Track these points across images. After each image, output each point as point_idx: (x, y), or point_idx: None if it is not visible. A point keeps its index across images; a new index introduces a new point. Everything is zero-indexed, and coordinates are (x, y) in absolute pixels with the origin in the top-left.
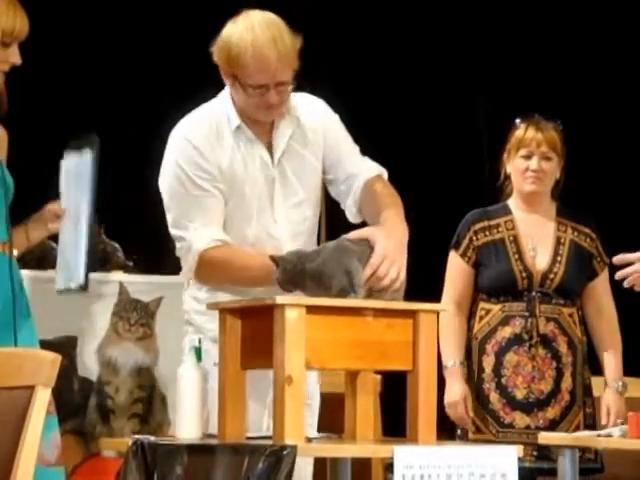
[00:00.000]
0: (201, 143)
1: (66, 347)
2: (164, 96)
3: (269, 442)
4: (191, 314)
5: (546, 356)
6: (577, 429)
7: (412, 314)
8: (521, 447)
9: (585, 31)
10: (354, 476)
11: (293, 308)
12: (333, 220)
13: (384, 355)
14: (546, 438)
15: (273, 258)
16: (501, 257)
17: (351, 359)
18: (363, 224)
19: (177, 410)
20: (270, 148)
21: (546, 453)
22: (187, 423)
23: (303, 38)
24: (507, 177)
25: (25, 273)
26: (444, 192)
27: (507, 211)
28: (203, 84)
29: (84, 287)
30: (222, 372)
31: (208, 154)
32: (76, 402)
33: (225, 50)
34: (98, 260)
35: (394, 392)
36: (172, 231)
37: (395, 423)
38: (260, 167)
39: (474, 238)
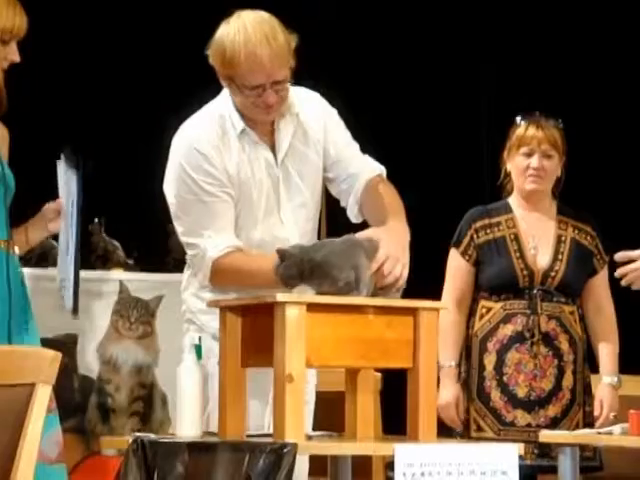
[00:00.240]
0: (208, 150)
1: (66, 345)
2: (163, 94)
3: (270, 440)
4: (195, 313)
5: (548, 354)
6: (577, 427)
7: (412, 312)
8: (522, 445)
9: (586, 29)
10: (355, 474)
11: (294, 306)
12: (333, 220)
13: (384, 353)
14: (547, 436)
15: (279, 251)
16: (502, 255)
17: (351, 357)
18: (363, 223)
19: (177, 408)
20: (273, 149)
21: (547, 451)
22: (187, 421)
23: (302, 34)
24: (507, 175)
25: (25, 271)
26: (444, 189)
27: (508, 209)
28: (203, 84)
29: (74, 312)
30: (223, 370)
31: (216, 160)
32: (76, 400)
33: (219, 52)
34: (98, 258)
35: (394, 390)
36: (184, 239)
37: (395, 421)
38: (265, 169)
39: (475, 236)
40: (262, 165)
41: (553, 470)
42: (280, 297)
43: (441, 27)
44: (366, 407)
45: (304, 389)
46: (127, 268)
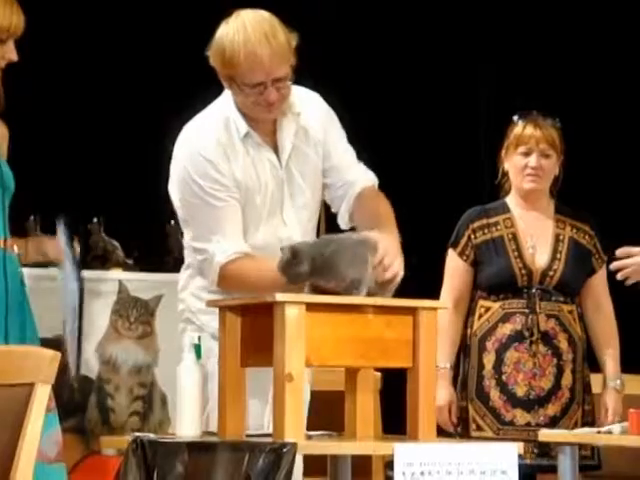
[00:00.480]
0: (214, 156)
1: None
2: (164, 95)
3: (269, 439)
4: (195, 313)
5: (547, 353)
6: (576, 426)
7: (412, 311)
8: (521, 444)
9: (584, 28)
10: (354, 473)
11: (293, 305)
12: (333, 220)
13: (384, 352)
14: (546, 435)
15: (289, 248)
16: (500, 254)
17: (351, 356)
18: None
19: (177, 408)
20: (276, 149)
21: (546, 450)
22: (187, 421)
23: (302, 34)
24: (505, 174)
25: (25, 271)
26: (443, 189)
27: (505, 209)
28: (204, 85)
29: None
30: (222, 370)
31: (222, 167)
32: (76, 400)
33: (219, 52)
34: (98, 258)
35: (394, 389)
36: (193, 244)
37: (395, 420)
38: (270, 171)
39: (472, 236)
40: (266, 167)
41: (553, 469)
42: (280, 297)
43: (440, 27)
44: (366, 407)
45: (303, 389)
46: (126, 268)
